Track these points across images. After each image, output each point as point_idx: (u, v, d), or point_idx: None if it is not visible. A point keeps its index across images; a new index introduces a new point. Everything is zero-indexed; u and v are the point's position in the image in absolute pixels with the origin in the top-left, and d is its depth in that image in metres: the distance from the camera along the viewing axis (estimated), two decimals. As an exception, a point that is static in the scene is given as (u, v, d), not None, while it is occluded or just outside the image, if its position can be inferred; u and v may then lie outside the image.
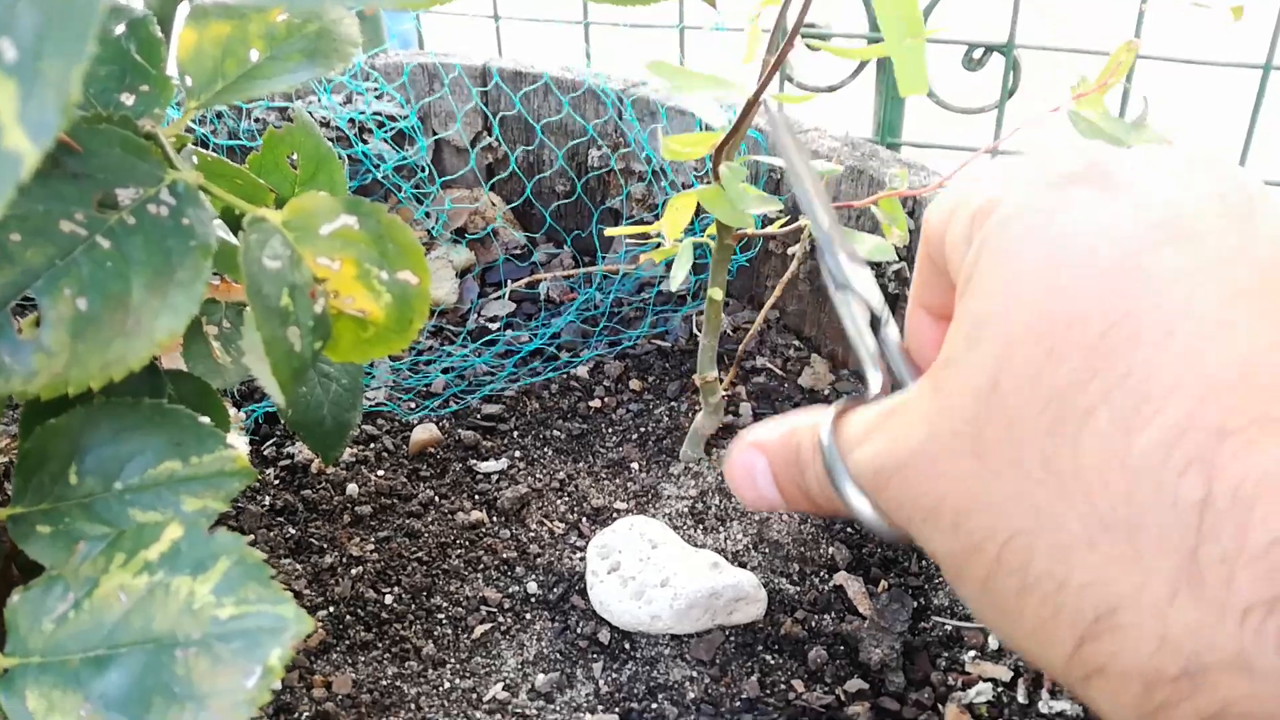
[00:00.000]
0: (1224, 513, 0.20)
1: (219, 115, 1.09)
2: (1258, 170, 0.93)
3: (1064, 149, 0.25)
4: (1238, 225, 0.23)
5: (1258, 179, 0.25)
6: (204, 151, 0.47)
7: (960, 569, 0.24)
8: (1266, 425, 0.20)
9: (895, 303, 0.88)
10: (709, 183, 0.64)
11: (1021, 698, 0.64)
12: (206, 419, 0.39)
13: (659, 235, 0.68)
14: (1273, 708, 0.19)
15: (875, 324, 0.31)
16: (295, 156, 0.54)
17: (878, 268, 0.86)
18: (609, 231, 0.75)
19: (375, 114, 1.11)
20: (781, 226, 0.75)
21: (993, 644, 0.68)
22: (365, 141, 1.10)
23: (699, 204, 0.65)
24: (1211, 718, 0.20)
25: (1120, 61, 0.58)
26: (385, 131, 1.11)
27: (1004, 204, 0.25)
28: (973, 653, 0.68)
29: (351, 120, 1.09)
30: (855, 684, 0.66)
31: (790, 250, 0.93)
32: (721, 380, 0.81)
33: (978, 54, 1.00)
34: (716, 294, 0.74)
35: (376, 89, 1.13)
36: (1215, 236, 0.23)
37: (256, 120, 1.09)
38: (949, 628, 0.70)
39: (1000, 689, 0.65)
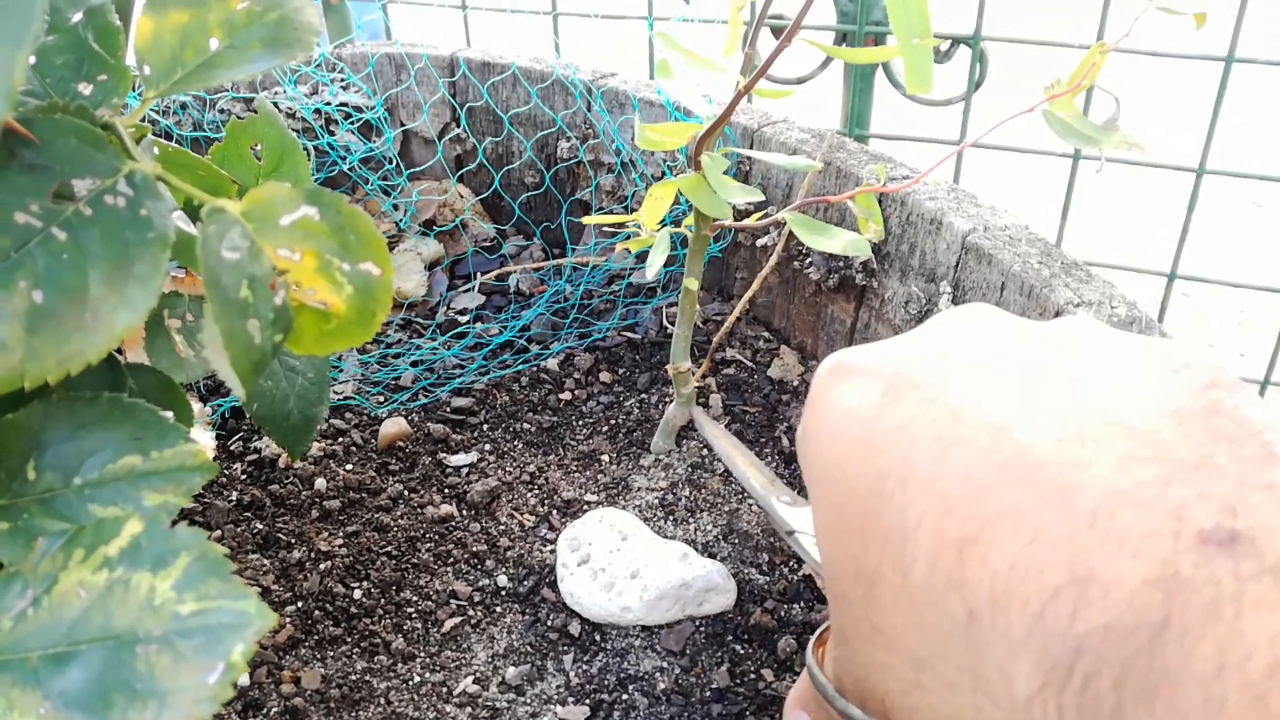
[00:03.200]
0: (988, 623, 0.21)
1: (183, 106, 1.08)
2: (1217, 161, 0.94)
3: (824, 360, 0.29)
4: (952, 360, 0.25)
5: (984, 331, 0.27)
6: (165, 142, 0.46)
7: None
8: (994, 524, 0.21)
9: (862, 295, 0.89)
10: (683, 173, 0.64)
11: None
12: (168, 413, 0.38)
13: (636, 225, 0.68)
14: None
15: None
16: (259, 147, 0.54)
17: (847, 260, 0.87)
18: (584, 220, 0.75)
19: (341, 105, 1.10)
20: (757, 220, 0.75)
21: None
22: (331, 133, 1.09)
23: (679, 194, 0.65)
24: None
25: (1093, 63, 0.58)
26: (351, 123, 1.10)
27: (805, 415, 0.29)
28: (940, 640, 0.69)
29: (317, 111, 1.08)
30: (824, 673, 0.66)
31: (760, 242, 0.93)
32: (694, 372, 0.81)
33: (945, 46, 1.00)
34: (692, 284, 0.74)
35: (343, 79, 1.12)
36: (931, 380, 0.25)
37: (221, 111, 1.07)
38: (917, 616, 0.70)
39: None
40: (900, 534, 0.23)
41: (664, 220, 0.70)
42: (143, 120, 0.42)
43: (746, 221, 0.76)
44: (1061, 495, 0.21)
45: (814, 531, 0.28)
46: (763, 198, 0.65)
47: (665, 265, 0.98)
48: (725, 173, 0.66)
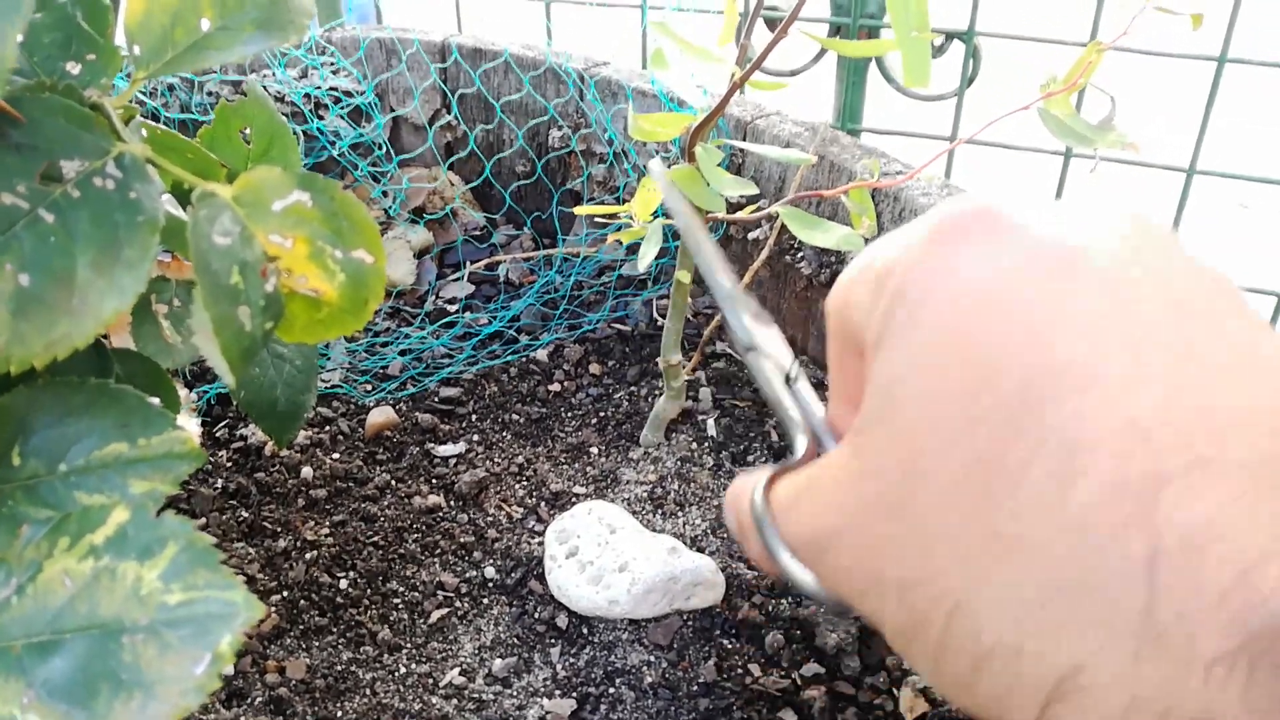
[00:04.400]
0: (1174, 567, 0.19)
1: (170, 89, 1.06)
2: (1209, 162, 0.94)
3: (951, 202, 0.25)
4: (1141, 264, 0.22)
5: (1158, 216, 0.24)
6: (153, 124, 0.45)
7: (909, 642, 0.24)
8: (1199, 469, 0.20)
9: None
10: (676, 165, 0.63)
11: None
12: (155, 400, 0.38)
13: (627, 216, 0.68)
14: None
15: (789, 382, 0.31)
16: (248, 131, 0.53)
17: (839, 257, 0.87)
18: (576, 210, 0.75)
19: (331, 89, 1.09)
20: (752, 213, 0.75)
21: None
22: (321, 117, 1.08)
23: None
24: None
25: (1089, 61, 0.58)
26: (341, 108, 1.09)
27: (900, 265, 0.24)
28: (928, 636, 0.69)
29: (307, 95, 1.07)
30: (811, 668, 0.66)
31: (752, 236, 0.93)
32: (684, 365, 0.81)
33: (938, 41, 1.00)
34: (684, 277, 0.74)
35: (333, 64, 1.11)
36: (1118, 276, 0.22)
37: (209, 94, 1.06)
38: (905, 611, 0.70)
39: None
40: (1069, 444, 0.20)
41: (656, 212, 0.70)
42: (131, 101, 0.41)
43: (739, 214, 0.75)
44: (1276, 457, 0.19)
45: (877, 392, 0.24)
46: (756, 190, 0.65)
47: (657, 258, 0.98)
48: (719, 165, 0.66)
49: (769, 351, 0.31)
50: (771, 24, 0.96)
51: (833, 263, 0.87)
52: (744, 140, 0.93)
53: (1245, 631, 0.19)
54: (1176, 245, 0.23)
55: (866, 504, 0.24)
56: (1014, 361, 0.21)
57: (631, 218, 0.70)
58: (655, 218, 0.70)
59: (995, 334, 0.22)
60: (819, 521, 0.25)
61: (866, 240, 0.69)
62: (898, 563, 0.23)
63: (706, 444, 0.84)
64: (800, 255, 0.90)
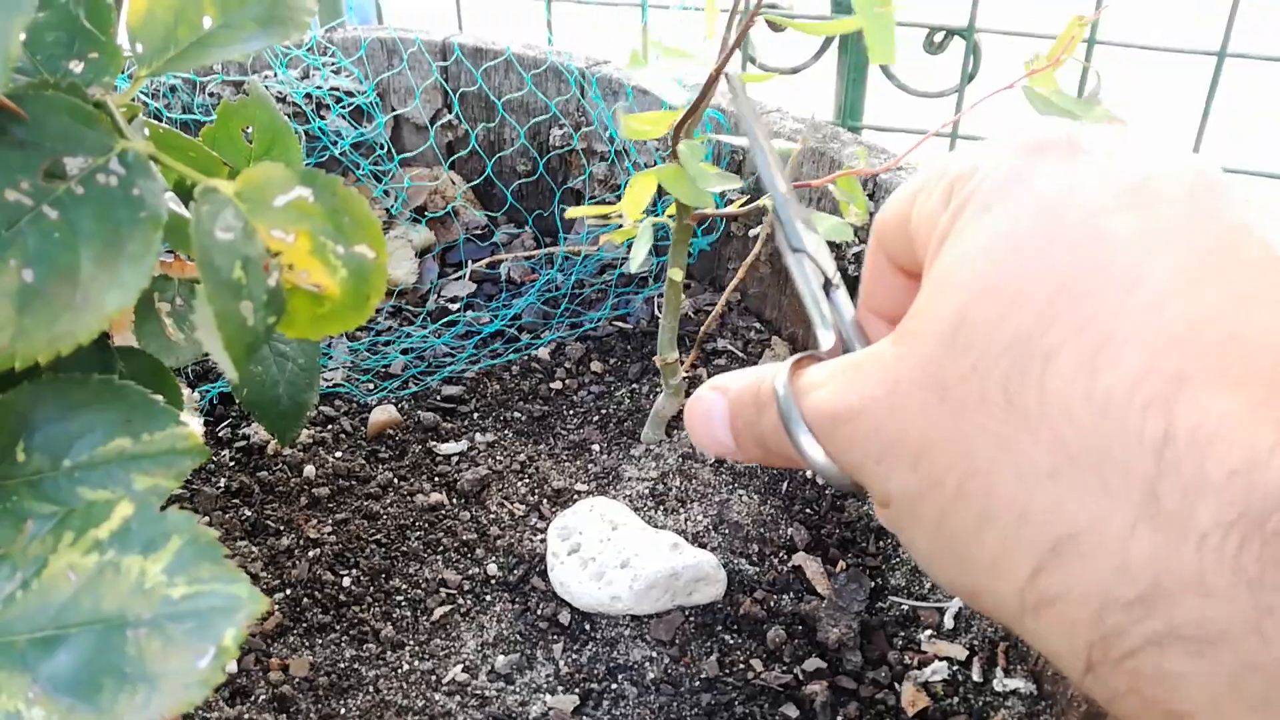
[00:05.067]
0: (1184, 449, 0.21)
1: (172, 89, 1.07)
2: (1212, 156, 0.94)
3: (1040, 123, 0.26)
4: (1198, 200, 0.24)
5: (1218, 165, 0.26)
6: (155, 123, 0.45)
7: (916, 508, 0.25)
8: (1220, 377, 0.21)
9: (854, 286, 0.88)
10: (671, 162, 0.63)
11: (976, 676, 0.65)
12: (159, 396, 0.38)
13: (620, 216, 0.68)
14: (1222, 625, 0.20)
15: (827, 287, 0.33)
16: (250, 130, 0.53)
17: (836, 249, 0.87)
18: (569, 212, 0.75)
19: (332, 89, 1.09)
20: (742, 206, 0.75)
21: (948, 623, 0.69)
22: (322, 117, 1.08)
23: (660, 184, 0.64)
24: (1156, 638, 0.21)
25: (1072, 36, 0.58)
26: (343, 107, 1.09)
27: (979, 169, 0.26)
28: (929, 632, 0.69)
29: (308, 95, 1.07)
30: (813, 663, 0.66)
31: (753, 233, 0.93)
32: (682, 362, 0.81)
33: (938, 37, 1.00)
34: (676, 275, 0.74)
35: (334, 64, 1.11)
36: (1176, 207, 0.24)
37: (211, 95, 1.06)
38: (905, 607, 0.71)
39: (956, 667, 0.66)
40: (1102, 335, 0.22)
41: (655, 209, 0.70)
42: (134, 101, 0.41)
43: (729, 209, 0.75)
44: None
45: (931, 283, 0.26)
46: (740, 184, 0.64)
47: (657, 255, 0.98)
48: (716, 162, 0.66)
49: (813, 255, 0.33)
50: (774, 25, 0.96)
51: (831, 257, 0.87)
52: (743, 137, 0.93)
53: (1244, 507, 0.20)
54: (1230, 192, 0.25)
55: (899, 378, 0.25)
56: (1063, 261, 0.23)
57: (623, 217, 0.70)
58: (647, 216, 0.70)
59: (1056, 237, 0.23)
60: (846, 397, 0.27)
61: (856, 229, 0.69)
62: (919, 430, 0.25)
63: (708, 441, 0.84)
64: (801, 252, 0.90)
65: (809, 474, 0.82)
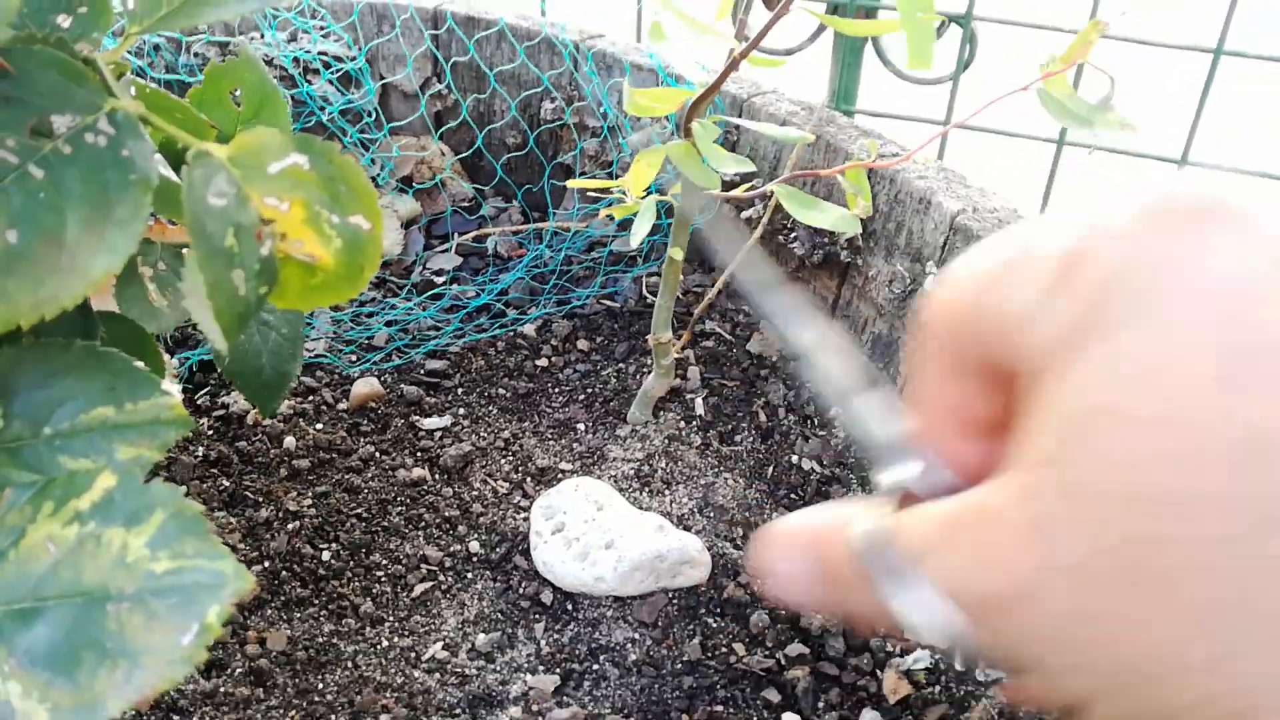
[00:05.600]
0: None
1: (156, 48, 1.04)
2: (1202, 153, 0.94)
3: (1136, 189, 0.21)
4: None
5: None
6: (142, 82, 0.44)
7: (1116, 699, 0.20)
8: None
9: (846, 271, 0.88)
10: (671, 140, 0.62)
11: (958, 665, 0.65)
12: (141, 364, 0.37)
13: (620, 191, 0.67)
14: None
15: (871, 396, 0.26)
16: (239, 92, 0.52)
17: (832, 238, 0.86)
18: (569, 183, 0.74)
19: (321, 54, 1.07)
20: (744, 190, 0.74)
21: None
22: (310, 82, 1.06)
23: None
24: None
25: (1088, 40, 0.58)
26: (331, 73, 1.07)
27: (1103, 256, 0.20)
28: (911, 620, 0.69)
29: (296, 59, 1.05)
30: (796, 648, 0.66)
31: (745, 215, 0.92)
32: (674, 343, 0.80)
33: (935, 24, 0.99)
34: (677, 254, 0.73)
35: (323, 28, 1.09)
36: None
37: (196, 55, 1.04)
38: (889, 595, 0.71)
39: (938, 656, 0.66)
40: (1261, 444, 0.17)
41: (650, 188, 0.69)
42: (122, 58, 0.40)
43: (734, 192, 0.75)
44: None
45: (1068, 415, 0.19)
46: (753, 168, 0.64)
47: (648, 234, 0.97)
48: (715, 141, 0.65)
49: (860, 398, 0.27)
50: (768, 2, 0.95)
51: (825, 244, 0.87)
52: (740, 117, 0.93)
53: None
54: None
55: (1063, 560, 0.19)
56: (1225, 335, 0.18)
57: (625, 193, 0.69)
58: (649, 194, 0.69)
59: (1266, 335, 0.18)
60: (992, 574, 0.20)
61: (863, 221, 0.68)
62: (1136, 645, 0.19)
63: (694, 423, 0.84)
64: (794, 236, 0.89)
65: (795, 459, 0.81)
